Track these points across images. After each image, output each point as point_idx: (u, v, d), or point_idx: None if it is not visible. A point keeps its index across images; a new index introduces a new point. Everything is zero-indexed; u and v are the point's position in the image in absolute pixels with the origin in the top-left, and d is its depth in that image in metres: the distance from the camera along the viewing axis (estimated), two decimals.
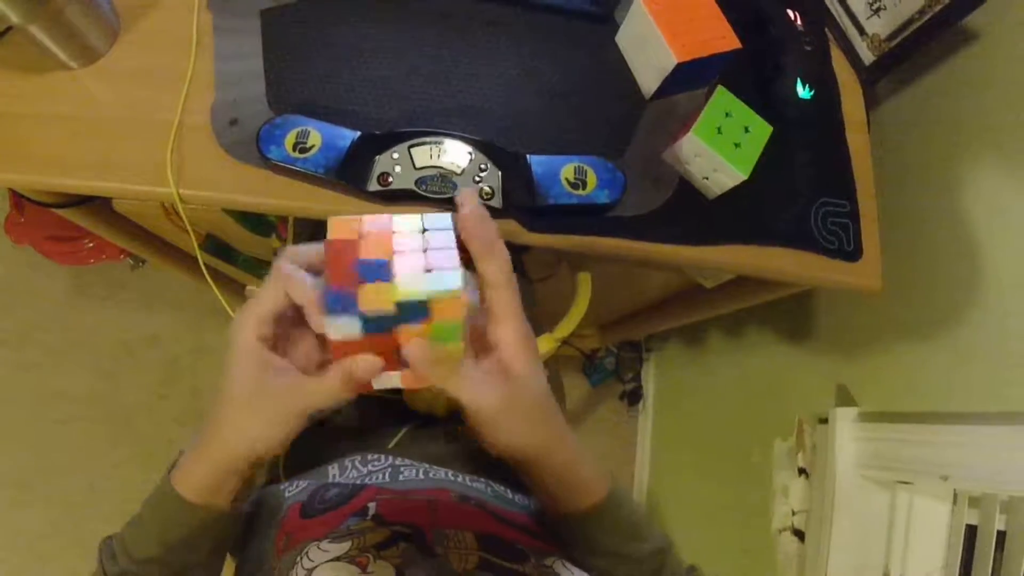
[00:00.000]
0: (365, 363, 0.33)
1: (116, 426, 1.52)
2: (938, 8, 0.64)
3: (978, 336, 0.66)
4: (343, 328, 0.31)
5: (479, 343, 0.36)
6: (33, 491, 1.46)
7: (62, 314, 1.58)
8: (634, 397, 1.68)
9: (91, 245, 1.46)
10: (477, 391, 0.35)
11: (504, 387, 0.35)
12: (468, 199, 0.36)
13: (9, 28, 0.60)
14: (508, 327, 0.35)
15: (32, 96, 0.60)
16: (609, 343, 1.62)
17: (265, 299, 0.34)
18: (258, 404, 0.35)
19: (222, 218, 0.78)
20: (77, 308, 1.59)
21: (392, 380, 0.35)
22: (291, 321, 0.36)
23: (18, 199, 1.36)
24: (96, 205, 0.75)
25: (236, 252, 0.97)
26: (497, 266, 0.35)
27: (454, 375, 0.34)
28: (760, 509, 0.97)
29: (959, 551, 0.63)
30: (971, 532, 0.63)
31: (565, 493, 0.40)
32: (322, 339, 0.36)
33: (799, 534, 0.87)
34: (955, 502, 0.65)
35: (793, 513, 0.89)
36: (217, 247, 0.94)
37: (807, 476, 0.87)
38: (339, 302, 0.30)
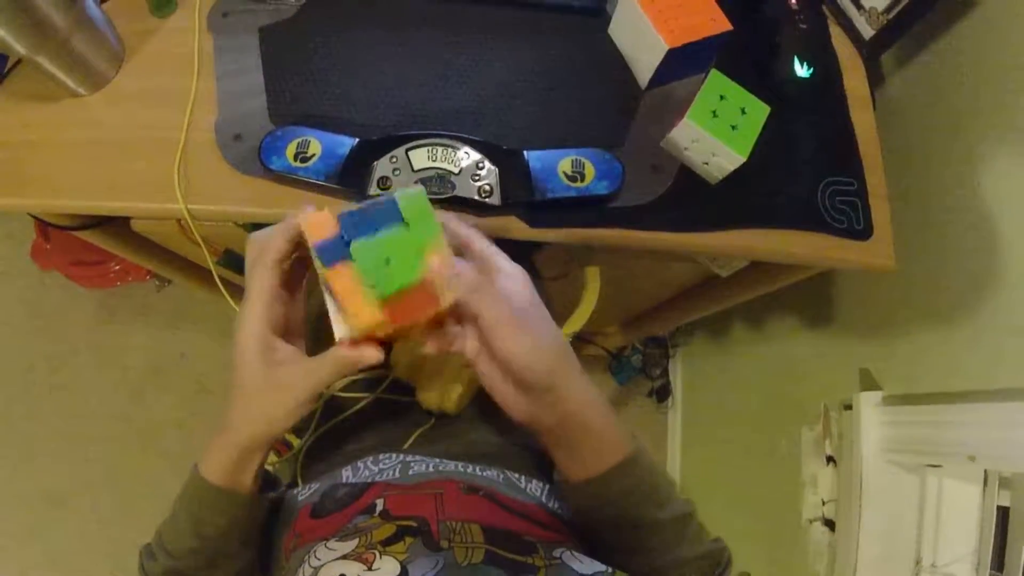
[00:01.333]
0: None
1: (147, 443, 1.56)
2: None
3: (998, 310, 0.64)
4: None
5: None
6: (66, 508, 1.50)
7: (91, 336, 1.63)
8: (662, 393, 1.65)
9: (117, 268, 1.50)
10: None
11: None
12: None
13: (19, 61, 0.63)
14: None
15: (45, 124, 0.62)
16: (634, 340, 1.60)
17: (260, 280, 0.39)
18: (269, 393, 0.38)
19: (237, 232, 0.80)
20: (105, 330, 1.64)
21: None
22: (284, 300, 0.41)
23: (43, 226, 1.41)
24: (115, 226, 0.77)
25: None
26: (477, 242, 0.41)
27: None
28: (790, 499, 0.95)
29: (992, 534, 0.61)
30: (1004, 514, 0.60)
31: (587, 452, 0.40)
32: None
33: (829, 524, 0.85)
34: (986, 483, 0.63)
35: (823, 503, 0.87)
36: (235, 261, 0.96)
37: (835, 464, 0.85)
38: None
